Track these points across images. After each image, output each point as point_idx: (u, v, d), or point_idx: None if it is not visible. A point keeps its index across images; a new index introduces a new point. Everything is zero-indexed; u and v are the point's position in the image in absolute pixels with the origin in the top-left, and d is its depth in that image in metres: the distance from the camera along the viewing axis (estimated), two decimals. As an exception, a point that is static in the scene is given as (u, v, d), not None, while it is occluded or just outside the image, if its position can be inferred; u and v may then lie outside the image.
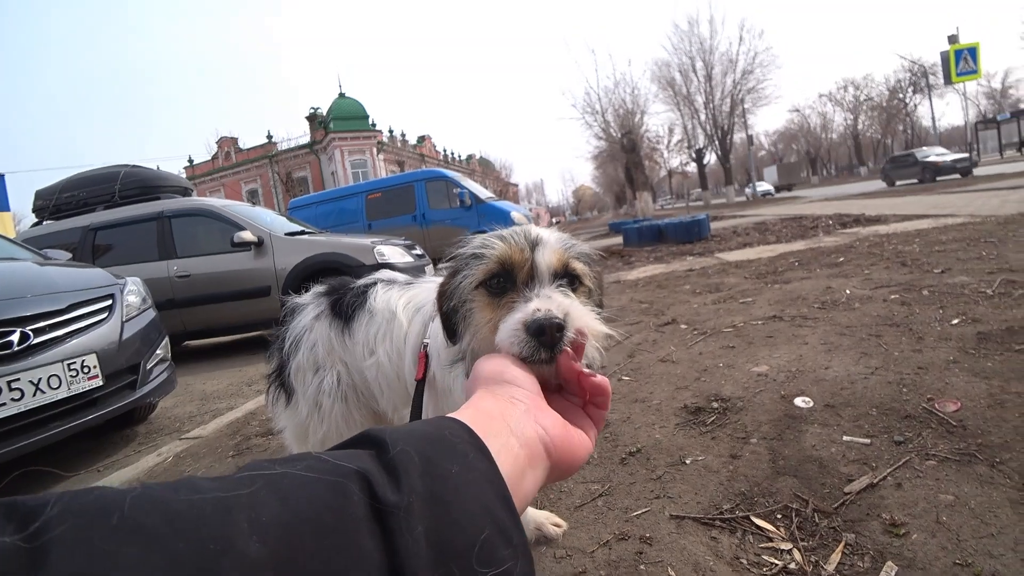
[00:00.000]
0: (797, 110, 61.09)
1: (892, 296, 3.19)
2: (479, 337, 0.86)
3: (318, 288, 1.60)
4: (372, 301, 1.42)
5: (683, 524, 1.41)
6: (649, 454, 1.81)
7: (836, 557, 1.22)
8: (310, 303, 1.57)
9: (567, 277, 0.84)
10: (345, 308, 1.47)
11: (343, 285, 1.55)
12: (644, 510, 1.50)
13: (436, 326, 1.19)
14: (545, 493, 1.69)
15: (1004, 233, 4.82)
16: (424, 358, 1.22)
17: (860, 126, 60.74)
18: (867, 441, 1.65)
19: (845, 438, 1.68)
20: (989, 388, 1.83)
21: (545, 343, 0.69)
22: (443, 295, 0.95)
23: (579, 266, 0.87)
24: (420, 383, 1.19)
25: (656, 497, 1.55)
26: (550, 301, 0.74)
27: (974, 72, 16.12)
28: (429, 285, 1.42)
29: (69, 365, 2.80)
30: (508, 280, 0.83)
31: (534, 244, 0.84)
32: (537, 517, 1.46)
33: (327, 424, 1.49)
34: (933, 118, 34.59)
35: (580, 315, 0.74)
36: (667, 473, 1.67)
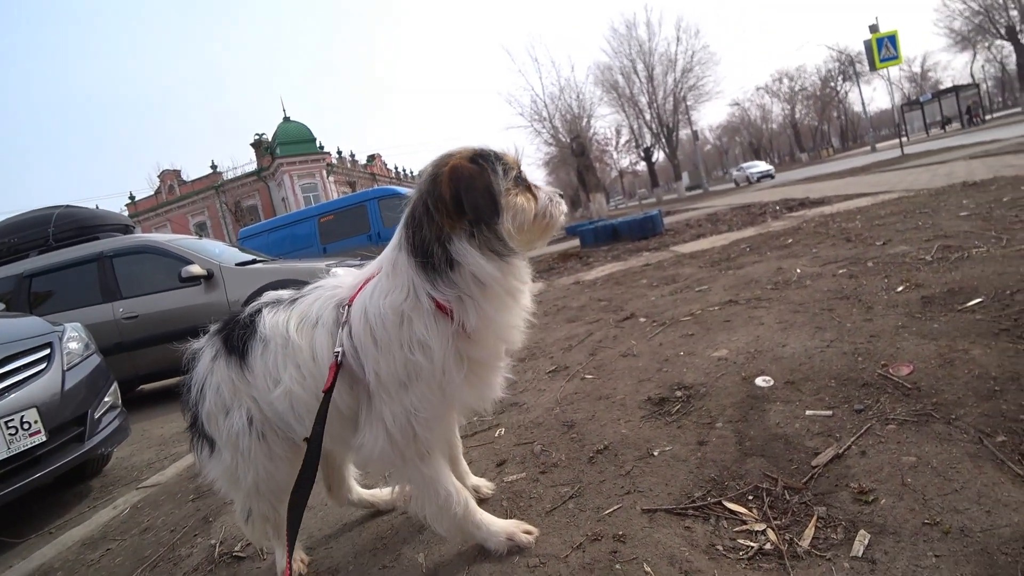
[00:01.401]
0: (737, 104, 63.21)
1: (840, 271, 3.30)
2: (524, 215, 1.23)
3: (212, 327, 1.52)
4: (262, 328, 1.35)
5: (655, 517, 1.40)
6: (617, 450, 1.80)
7: (810, 532, 1.23)
8: (206, 345, 1.48)
9: None
10: (236, 343, 1.39)
11: (233, 319, 1.46)
12: (616, 507, 1.48)
13: (357, 327, 1.23)
14: (515, 501, 1.65)
15: (936, 204, 5.06)
16: (336, 368, 1.21)
17: (797, 115, 63.37)
18: (829, 413, 1.68)
19: (808, 412, 1.71)
20: (938, 348, 1.90)
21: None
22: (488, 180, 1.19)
23: None
24: (327, 394, 1.19)
25: (627, 493, 1.54)
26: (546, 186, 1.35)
27: (895, 58, 16.96)
28: (319, 293, 1.37)
29: (7, 423, 2.62)
30: (521, 177, 1.26)
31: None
32: (506, 527, 1.41)
33: (253, 465, 1.41)
34: (863, 103, 36.47)
35: None
36: (636, 467, 1.66)
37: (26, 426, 2.69)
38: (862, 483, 1.33)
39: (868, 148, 34.99)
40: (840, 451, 1.48)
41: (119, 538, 2.31)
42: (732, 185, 32.16)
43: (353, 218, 11.22)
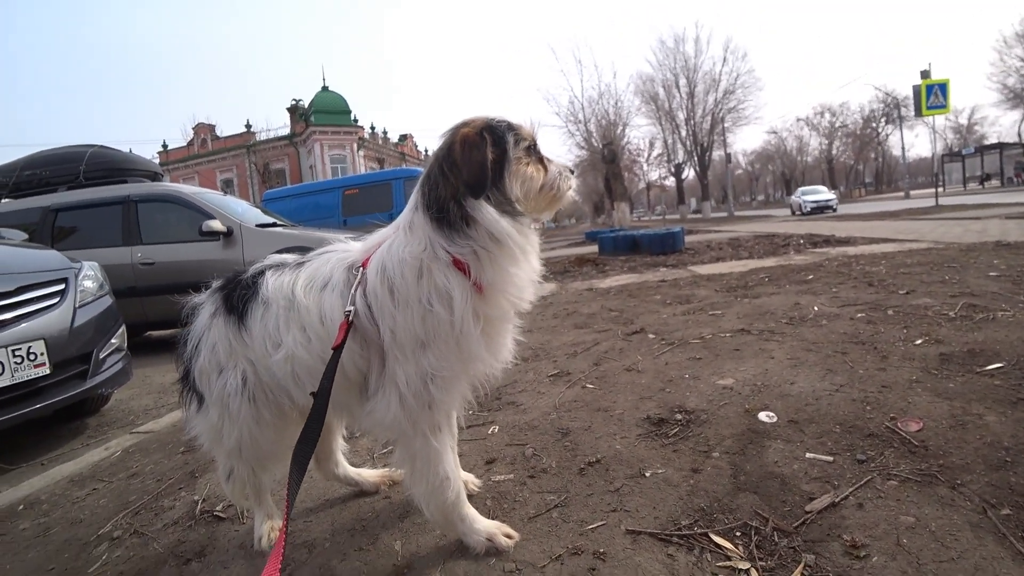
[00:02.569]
0: (775, 132, 62.39)
1: (858, 314, 3.23)
2: (531, 183, 1.29)
3: (215, 283, 1.52)
4: (264, 290, 1.35)
5: (639, 539, 1.38)
6: (609, 465, 1.78)
7: (794, 578, 1.20)
8: (207, 301, 1.49)
9: None
10: (236, 303, 1.39)
11: (235, 277, 1.47)
12: (600, 523, 1.46)
13: (373, 283, 1.24)
14: (499, 502, 1.64)
15: (966, 260, 4.95)
16: (347, 327, 1.21)
17: (835, 151, 62.46)
18: (830, 459, 1.64)
19: (808, 455, 1.67)
20: (951, 409, 1.85)
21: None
22: (488, 152, 1.21)
23: None
24: (336, 351, 1.20)
25: (613, 510, 1.51)
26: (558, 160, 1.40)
27: (943, 107, 16.65)
28: (328, 257, 1.37)
29: (14, 351, 2.66)
30: (534, 148, 1.31)
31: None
32: (488, 527, 1.40)
33: (238, 427, 1.42)
34: (903, 148, 35.84)
35: None
36: (626, 485, 1.64)
37: (32, 357, 2.73)
38: (855, 536, 1.29)
39: (902, 194, 34.45)
40: (836, 500, 1.44)
41: (106, 480, 2.33)
42: (788, 212, 28.76)
43: (377, 195, 11.27)
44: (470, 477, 1.72)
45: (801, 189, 30.18)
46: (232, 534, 1.71)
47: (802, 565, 1.23)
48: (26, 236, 4.12)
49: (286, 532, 1.03)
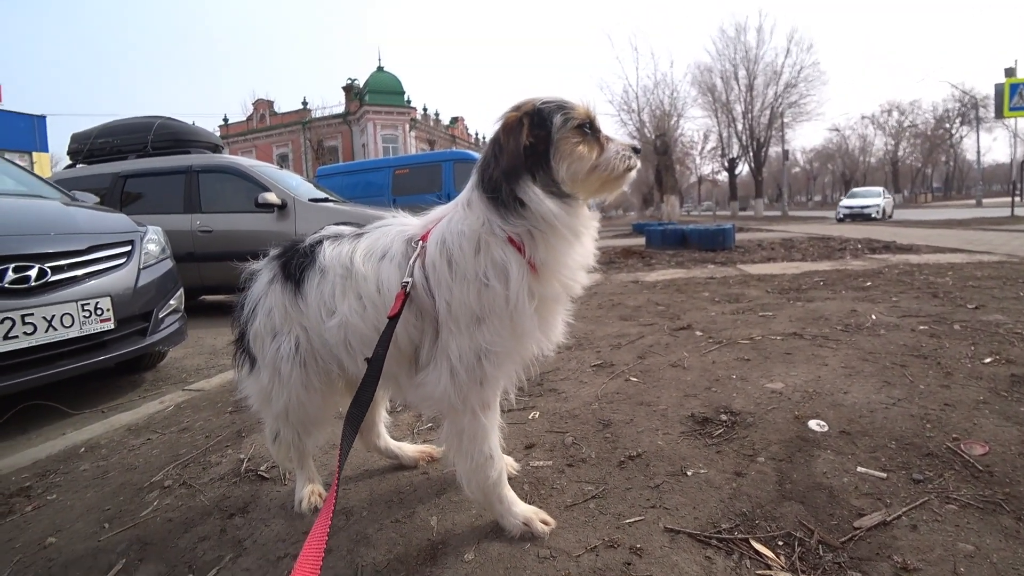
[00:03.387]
0: (837, 129, 59.40)
1: (921, 327, 3.07)
2: (580, 164, 1.23)
3: (273, 251, 1.56)
4: (321, 259, 1.37)
5: (677, 539, 1.35)
6: (649, 460, 1.75)
7: (838, 595, 1.15)
8: (264, 268, 1.53)
9: None
10: (294, 271, 1.42)
11: (293, 246, 1.50)
12: (637, 518, 1.44)
13: (432, 254, 1.26)
14: (536, 488, 1.64)
15: (1045, 275, 4.62)
16: (404, 297, 1.22)
17: (901, 152, 59.04)
18: (883, 475, 1.56)
19: (859, 469, 1.60)
20: (1021, 435, 1.73)
21: (637, 156, 1.33)
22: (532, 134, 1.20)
23: None
24: (392, 320, 1.21)
25: (652, 506, 1.49)
26: (622, 138, 1.33)
27: (1028, 108, 15.50)
28: (387, 230, 1.39)
29: (83, 306, 2.82)
30: (592, 127, 1.26)
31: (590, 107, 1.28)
32: (526, 512, 1.40)
33: (287, 391, 1.46)
34: (978, 152, 33.63)
35: None
36: (666, 483, 1.61)
37: (99, 312, 2.89)
38: (907, 559, 1.23)
39: (973, 201, 32.40)
40: (888, 518, 1.37)
41: (160, 431, 2.46)
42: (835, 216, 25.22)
43: (428, 175, 11.37)
44: (509, 460, 1.72)
45: (853, 191, 27.48)
46: (274, 494, 1.77)
47: (847, 582, 1.18)
48: (98, 200, 4.34)
49: (337, 489, 1.04)
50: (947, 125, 53.33)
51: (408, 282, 1.24)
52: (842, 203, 24.23)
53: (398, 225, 1.39)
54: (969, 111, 43.90)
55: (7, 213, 3.03)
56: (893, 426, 1.84)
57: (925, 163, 60.20)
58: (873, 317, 3.36)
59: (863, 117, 61.91)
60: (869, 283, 4.72)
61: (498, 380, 1.30)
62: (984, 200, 30.66)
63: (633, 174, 1.32)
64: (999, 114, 16.15)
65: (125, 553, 1.51)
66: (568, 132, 1.22)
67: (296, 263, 1.42)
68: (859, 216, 22.03)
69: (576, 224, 1.24)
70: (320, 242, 1.42)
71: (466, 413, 1.29)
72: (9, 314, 2.50)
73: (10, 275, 2.55)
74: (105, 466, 2.13)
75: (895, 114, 57.02)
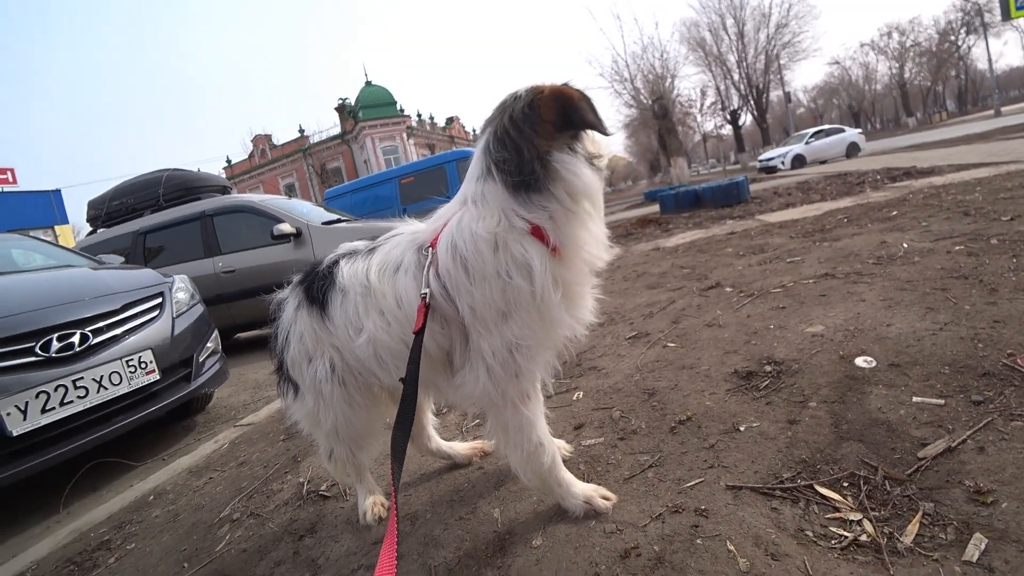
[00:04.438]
0: (837, 62, 57.61)
1: (956, 247, 2.98)
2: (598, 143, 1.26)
3: (295, 277, 1.58)
4: (340, 279, 1.38)
5: (740, 495, 1.35)
6: (700, 422, 1.74)
7: (914, 528, 1.13)
8: (289, 295, 1.55)
9: None
10: (316, 294, 1.43)
11: (313, 270, 1.51)
12: (698, 481, 1.44)
13: (445, 263, 1.24)
14: (592, 466, 1.64)
15: (1079, 173, 4.43)
16: (424, 309, 1.22)
17: (907, 75, 56.87)
18: (940, 402, 1.53)
19: (915, 399, 1.57)
20: (1077, 339, 1.68)
21: None
22: None
23: None
24: (419, 335, 1.21)
25: (710, 467, 1.49)
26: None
27: (1036, 5, 14.83)
28: (398, 240, 1.38)
29: (127, 362, 2.91)
30: None
31: None
32: (585, 490, 1.41)
33: (333, 410, 1.49)
34: (989, 60, 32.22)
35: None
36: (720, 441, 1.60)
37: (143, 365, 2.99)
38: (979, 482, 1.20)
39: (991, 112, 31.17)
40: (953, 444, 1.34)
41: (220, 469, 2.53)
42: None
43: (433, 179, 11.39)
44: (561, 443, 1.73)
45: (796, 134, 23.96)
46: (338, 511, 1.81)
47: (920, 513, 1.16)
48: (123, 259, 4.47)
49: (396, 517, 1.04)
50: (952, 38, 51.25)
51: (426, 293, 1.23)
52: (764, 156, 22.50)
53: (407, 234, 1.38)
54: (974, 19, 42.18)
55: (43, 286, 3.14)
56: (943, 351, 1.80)
57: (934, 81, 57.99)
58: (905, 246, 3.27)
59: (862, 45, 60.28)
60: (895, 212, 4.60)
61: (533, 371, 1.30)
62: (1003, 108, 29.49)
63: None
64: (1006, 16, 15.53)
65: (208, 588, 1.57)
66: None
67: (317, 286, 1.44)
68: (768, 170, 20.53)
69: (600, 197, 1.26)
70: (336, 262, 1.44)
71: (507, 407, 1.30)
72: (61, 381, 2.60)
73: (55, 344, 2.65)
74: (175, 509, 2.21)
75: (895, 36, 54.97)
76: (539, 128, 1.17)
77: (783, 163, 20.49)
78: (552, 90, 1.20)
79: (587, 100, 1.21)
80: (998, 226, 3.26)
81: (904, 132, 39.17)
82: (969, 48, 51.51)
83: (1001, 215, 3.54)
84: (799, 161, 20.29)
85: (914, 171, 7.77)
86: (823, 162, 19.85)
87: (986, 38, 34.01)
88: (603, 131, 1.23)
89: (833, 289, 2.73)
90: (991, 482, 1.20)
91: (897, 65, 56.46)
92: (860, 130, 22.26)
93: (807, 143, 21.02)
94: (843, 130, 21.56)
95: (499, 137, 1.21)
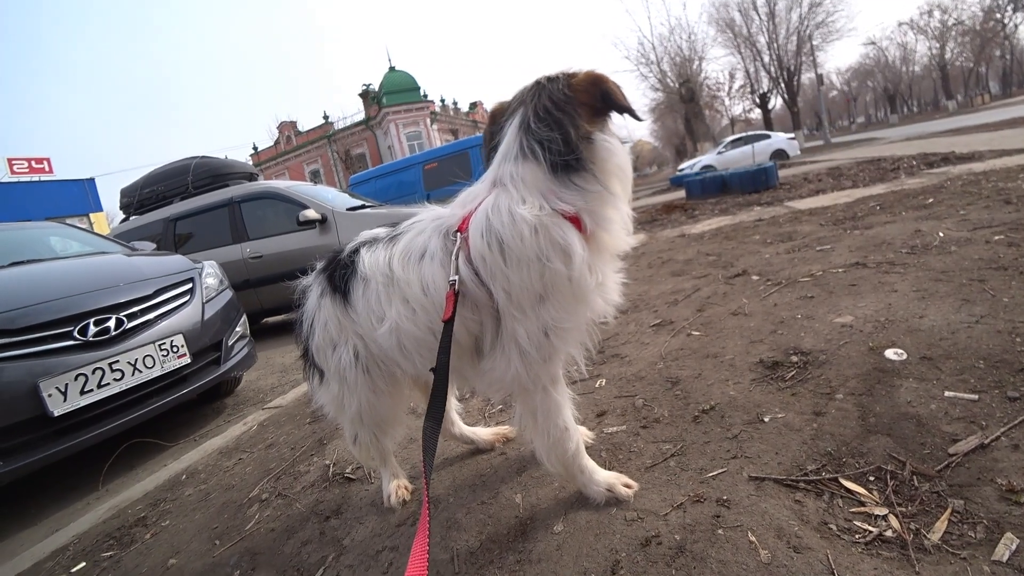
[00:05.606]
0: (873, 43, 55.38)
1: (996, 237, 2.87)
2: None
3: (318, 265, 1.58)
4: (361, 267, 1.38)
5: (763, 486, 1.33)
6: (724, 412, 1.72)
7: (942, 525, 1.11)
8: (313, 283, 1.56)
9: None
10: (339, 282, 1.44)
11: (335, 257, 1.51)
12: (720, 471, 1.43)
13: (478, 248, 1.21)
14: (614, 454, 1.65)
15: None
16: (454, 297, 1.20)
17: (948, 55, 54.49)
18: (974, 397, 1.49)
19: (947, 393, 1.53)
20: (1122, 332, 1.61)
21: None
22: None
23: None
24: (448, 324, 1.19)
25: (733, 457, 1.48)
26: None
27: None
28: (421, 226, 1.36)
29: (160, 346, 3.00)
30: None
31: None
32: (608, 478, 1.42)
33: (357, 396, 1.51)
34: (1037, 37, 30.63)
35: None
36: (744, 432, 1.58)
37: (175, 349, 3.08)
38: (1012, 480, 1.17)
39: (1038, 93, 29.76)
40: (986, 441, 1.31)
41: (249, 450, 2.61)
42: (891, 133, 21.60)
43: (456, 165, 11.39)
44: (583, 430, 1.74)
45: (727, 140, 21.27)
46: (363, 493, 1.85)
47: (949, 511, 1.14)
48: (155, 246, 4.59)
49: (428, 513, 1.02)
50: (998, 15, 48.88)
51: (455, 280, 1.21)
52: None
53: (431, 220, 1.35)
54: (1020, -5, 40.18)
55: (79, 273, 3.24)
56: (979, 345, 1.74)
57: (977, 62, 55.44)
58: (940, 235, 3.17)
59: (900, 24, 57.78)
60: (931, 200, 4.45)
61: (565, 353, 1.31)
62: (1050, 89, 28.07)
63: None
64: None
65: (238, 565, 1.62)
66: None
67: (339, 274, 1.44)
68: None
69: (630, 178, 1.30)
70: (357, 250, 1.43)
71: (537, 391, 1.30)
72: (99, 364, 2.69)
73: (92, 329, 2.75)
74: (206, 488, 2.29)
75: (936, 14, 52.64)
76: (580, 109, 1.20)
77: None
78: (588, 73, 1.22)
79: (619, 86, 1.22)
80: (1041, 214, 3.13)
81: (943, 116, 37.69)
82: (1016, 27, 49.01)
83: (1045, 203, 3.40)
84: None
85: (952, 157, 7.50)
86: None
87: (1034, 15, 32.34)
88: (636, 116, 1.25)
89: (864, 279, 2.66)
90: (1025, 480, 1.16)
91: (938, 45, 54.09)
92: (791, 135, 20.17)
93: (719, 152, 19.42)
94: (768, 136, 19.94)
95: (541, 116, 1.20)
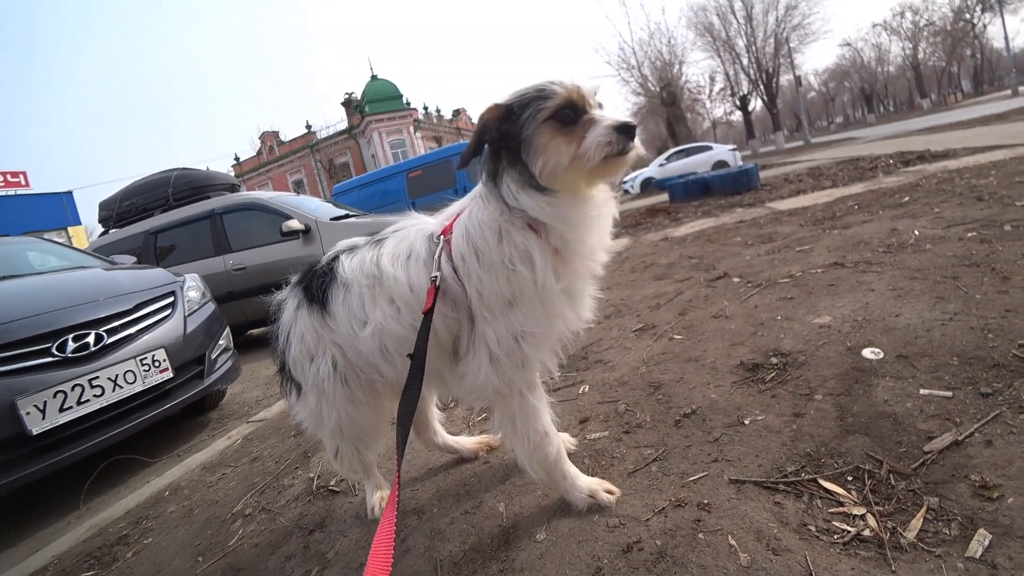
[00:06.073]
0: (849, 44, 56.13)
1: (969, 234, 2.93)
2: (558, 159, 1.15)
3: (293, 278, 1.59)
4: (341, 274, 1.39)
5: (743, 489, 1.35)
6: (705, 415, 1.74)
7: (917, 523, 1.13)
8: (288, 296, 1.56)
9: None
10: (316, 292, 1.44)
11: (311, 269, 1.52)
12: (701, 475, 1.44)
13: (458, 247, 1.27)
14: (596, 460, 1.65)
15: (1098, 155, 4.34)
16: (435, 291, 1.24)
17: (921, 55, 55.52)
18: (948, 394, 1.52)
19: (922, 391, 1.56)
20: (1090, 328, 1.65)
21: (631, 137, 1.14)
22: (499, 130, 1.20)
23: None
24: (428, 315, 1.23)
25: (714, 460, 1.49)
26: (617, 114, 1.19)
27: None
28: (406, 231, 1.39)
29: (141, 361, 2.96)
30: (575, 112, 1.16)
31: (580, 86, 1.19)
32: (590, 484, 1.42)
33: (336, 409, 1.50)
34: (1006, 38, 31.50)
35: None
36: (725, 435, 1.60)
37: (157, 363, 3.03)
38: (985, 476, 1.19)
39: (1008, 92, 30.52)
40: (960, 437, 1.33)
41: (233, 465, 2.58)
42: (869, 132, 22.30)
43: (440, 173, 11.39)
44: (566, 436, 1.75)
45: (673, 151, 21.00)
46: (347, 505, 1.84)
47: (924, 508, 1.16)
48: (135, 259, 4.53)
49: (399, 483, 1.06)
50: (967, 16, 49.94)
51: (436, 276, 1.25)
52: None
53: (415, 225, 1.40)
54: (989, -4, 41.15)
55: (57, 287, 3.19)
56: (952, 342, 1.78)
57: (949, 61, 56.58)
58: (916, 233, 3.23)
59: (874, 25, 58.81)
60: (907, 198, 4.53)
61: (537, 360, 1.32)
62: (1020, 88, 28.78)
63: (627, 157, 1.18)
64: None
65: (222, 582, 1.60)
66: (540, 126, 1.15)
67: (316, 284, 1.45)
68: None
69: (573, 215, 1.22)
70: (336, 258, 1.45)
71: (513, 396, 1.31)
72: (77, 381, 2.65)
73: (71, 345, 2.70)
74: (189, 505, 2.26)
75: (908, 15, 53.56)
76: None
77: (632, 187, 19.34)
78: (483, 113, 1.22)
79: (476, 134, 1.22)
80: (1012, 211, 3.20)
81: (918, 114, 38.43)
82: (985, 26, 50.05)
83: (1016, 200, 3.48)
84: (648, 186, 18.81)
85: (928, 155, 7.65)
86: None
87: (1002, 15, 33.26)
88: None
89: (842, 279, 2.71)
90: (998, 477, 1.19)
91: (911, 45, 55.12)
92: (733, 147, 19.99)
93: (661, 165, 19.34)
94: (711, 147, 19.69)
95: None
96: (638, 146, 1.18)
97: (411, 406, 1.19)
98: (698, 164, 18.40)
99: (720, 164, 18.23)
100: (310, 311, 1.46)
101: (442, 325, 1.30)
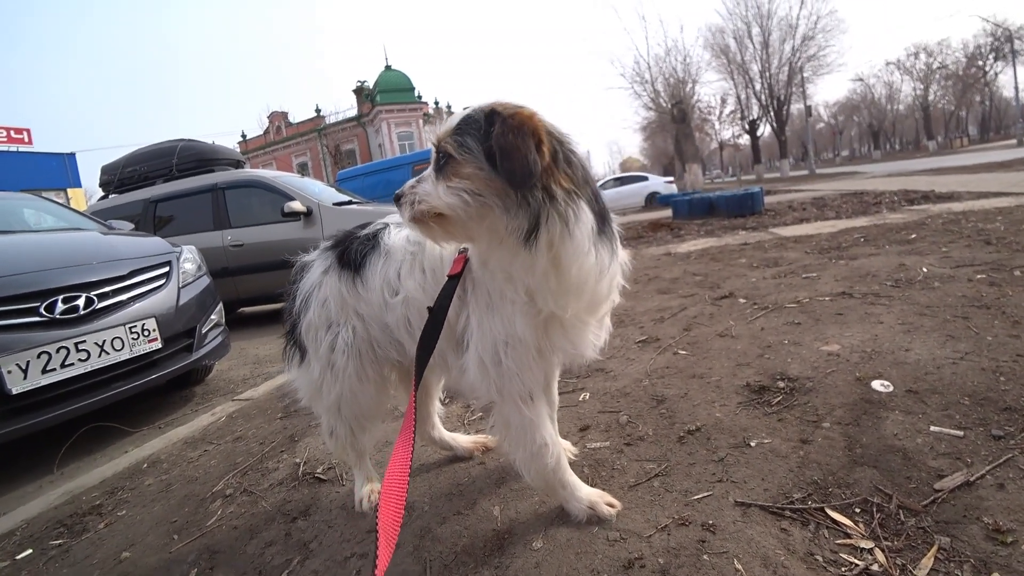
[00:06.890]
0: (861, 79, 56.67)
1: (978, 276, 2.92)
2: None
3: (324, 243, 1.56)
4: (386, 242, 1.38)
5: (749, 512, 1.31)
6: (709, 433, 1.70)
7: (928, 562, 1.09)
8: (317, 259, 1.53)
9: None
10: (354, 257, 1.42)
11: (349, 236, 1.49)
12: (706, 494, 1.40)
13: None
14: (596, 470, 1.61)
15: (1106, 209, 4.36)
16: (464, 260, 1.23)
17: (931, 97, 56.10)
18: (959, 433, 1.49)
19: (933, 428, 1.52)
20: (1105, 378, 1.62)
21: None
22: None
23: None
24: (453, 279, 1.23)
25: (718, 481, 1.45)
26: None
27: (1070, 34, 14.57)
28: None
29: (131, 328, 2.89)
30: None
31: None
32: (590, 495, 1.37)
33: (341, 382, 1.47)
34: (1016, 87, 31.79)
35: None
36: (730, 455, 1.56)
37: (146, 333, 2.97)
38: (998, 520, 1.16)
39: (1013, 141, 30.87)
40: (971, 478, 1.30)
41: (215, 442, 2.51)
42: (874, 168, 22.40)
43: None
44: (566, 444, 1.70)
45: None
46: (334, 495, 1.78)
47: (936, 548, 1.12)
48: (133, 226, 4.45)
49: (415, 409, 1.09)
50: (980, 63, 50.50)
51: (467, 248, 1.24)
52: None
53: None
54: (1003, 45, 41.58)
55: (51, 248, 3.12)
56: (964, 381, 1.75)
57: (959, 105, 57.27)
58: (924, 270, 3.21)
59: (888, 63, 59.29)
60: (914, 235, 4.53)
61: (522, 379, 1.23)
62: (1026, 138, 29.09)
63: (415, 217, 1.14)
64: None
65: (196, 563, 1.54)
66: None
67: (356, 249, 1.42)
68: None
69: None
70: (384, 228, 1.43)
71: (506, 404, 1.26)
72: (63, 343, 2.58)
73: (60, 306, 2.63)
74: (168, 479, 2.19)
75: (922, 56, 54.13)
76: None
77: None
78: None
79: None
80: (1021, 257, 3.20)
81: (924, 155, 38.78)
82: (996, 74, 50.73)
83: (1024, 246, 3.48)
84: (653, 200, 18.54)
85: (932, 195, 7.68)
86: (621, 213, 17.91)
87: (1014, 65, 33.56)
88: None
89: (850, 308, 2.68)
90: (1011, 521, 1.15)
91: (922, 86, 55.68)
92: (670, 179, 20.20)
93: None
94: (645, 178, 20.05)
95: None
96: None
97: (427, 351, 1.20)
98: (630, 193, 18.74)
99: (652, 196, 18.49)
100: (340, 276, 1.44)
101: (454, 308, 1.27)
